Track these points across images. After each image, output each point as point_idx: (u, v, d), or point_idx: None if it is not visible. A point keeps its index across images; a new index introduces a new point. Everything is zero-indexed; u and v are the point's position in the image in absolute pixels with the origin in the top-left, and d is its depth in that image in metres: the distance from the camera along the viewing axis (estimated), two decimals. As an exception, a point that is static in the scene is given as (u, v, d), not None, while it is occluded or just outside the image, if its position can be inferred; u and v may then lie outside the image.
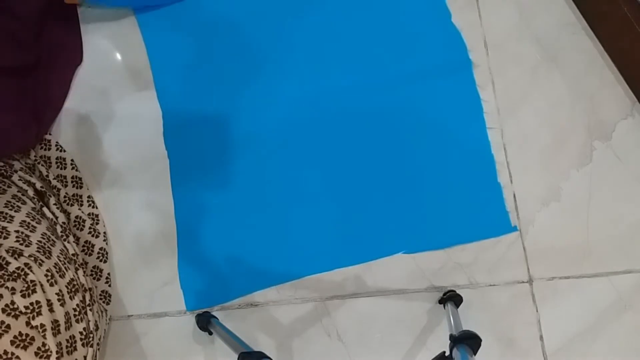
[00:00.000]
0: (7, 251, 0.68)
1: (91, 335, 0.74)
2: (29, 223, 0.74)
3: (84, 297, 0.75)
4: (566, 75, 0.99)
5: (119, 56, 0.98)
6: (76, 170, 0.91)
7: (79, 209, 0.87)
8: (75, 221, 0.86)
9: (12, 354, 0.61)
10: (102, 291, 0.86)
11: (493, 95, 0.98)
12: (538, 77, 0.99)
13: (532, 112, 0.97)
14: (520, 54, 1.00)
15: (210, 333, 0.85)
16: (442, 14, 1.00)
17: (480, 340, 0.64)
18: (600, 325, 0.90)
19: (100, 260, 0.87)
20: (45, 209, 0.81)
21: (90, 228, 0.87)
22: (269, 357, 0.60)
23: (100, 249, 0.87)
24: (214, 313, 0.88)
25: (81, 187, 0.90)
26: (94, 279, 0.86)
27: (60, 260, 0.73)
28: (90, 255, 0.86)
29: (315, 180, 0.93)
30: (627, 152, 0.96)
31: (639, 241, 0.93)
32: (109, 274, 0.87)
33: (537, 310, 0.90)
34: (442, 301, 0.88)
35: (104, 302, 0.86)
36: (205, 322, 0.84)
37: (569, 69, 0.99)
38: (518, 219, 0.93)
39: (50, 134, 0.92)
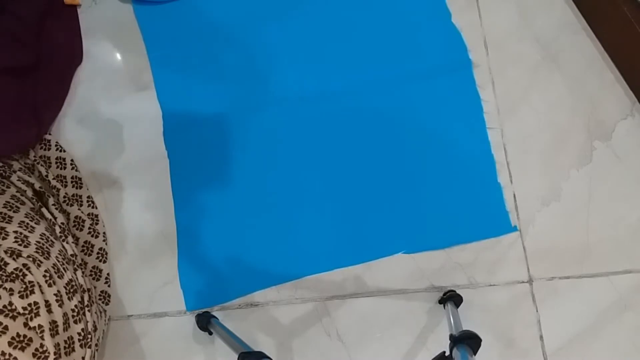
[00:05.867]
0: (6, 252, 0.68)
1: (89, 336, 0.74)
2: (27, 224, 0.74)
3: (82, 297, 0.75)
4: (566, 75, 0.99)
5: (119, 56, 0.98)
6: (76, 170, 0.91)
7: (79, 209, 0.87)
8: (74, 221, 0.86)
9: (10, 355, 0.61)
10: (102, 291, 0.86)
11: (493, 95, 0.98)
12: (538, 77, 0.99)
13: (532, 112, 0.97)
14: (520, 54, 0.99)
15: (210, 333, 0.85)
16: (442, 14, 1.00)
17: (480, 340, 0.64)
18: (600, 325, 0.90)
19: (100, 261, 0.87)
20: (44, 210, 0.81)
21: (89, 228, 0.87)
22: (269, 357, 0.60)
23: (100, 249, 0.87)
24: (214, 313, 0.88)
25: (81, 188, 0.90)
26: (93, 279, 0.86)
27: (58, 261, 0.73)
28: (89, 255, 0.86)
29: (315, 180, 0.93)
30: (627, 152, 0.96)
31: (638, 241, 0.93)
32: (108, 274, 0.87)
33: (537, 310, 0.90)
34: (442, 301, 0.88)
35: (103, 302, 0.86)
36: (205, 322, 0.84)
37: (569, 69, 0.99)
38: (518, 219, 0.93)
39: (50, 134, 0.92)
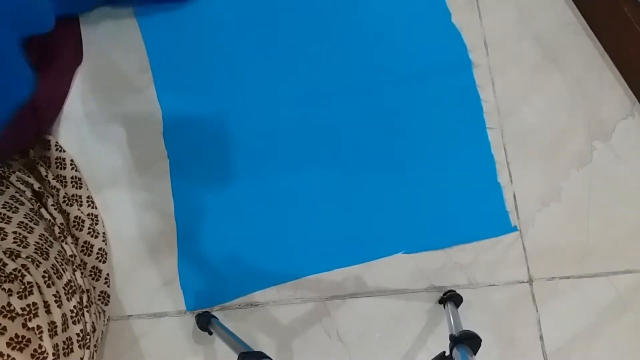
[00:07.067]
0: (5, 252, 0.67)
1: (88, 337, 0.74)
2: (26, 224, 0.74)
3: (81, 298, 0.75)
4: (566, 75, 0.99)
5: (119, 56, 0.98)
6: (76, 170, 0.91)
7: (79, 209, 0.87)
8: (74, 221, 0.86)
9: (8, 355, 0.61)
10: (101, 292, 0.86)
11: (493, 95, 0.98)
12: (538, 77, 0.99)
13: (532, 112, 0.97)
14: (520, 54, 0.99)
15: (210, 333, 0.85)
16: (442, 14, 1.00)
17: (480, 340, 0.64)
18: (600, 325, 0.90)
19: (99, 261, 0.87)
20: (43, 210, 0.81)
21: (89, 228, 0.87)
22: (269, 357, 0.60)
23: (100, 249, 0.87)
24: (214, 313, 0.88)
25: (80, 188, 0.90)
26: (92, 279, 0.86)
27: (57, 262, 0.73)
28: (89, 255, 0.86)
29: (315, 180, 0.93)
30: (627, 152, 0.96)
31: (638, 241, 0.93)
32: (108, 274, 0.87)
33: (537, 310, 0.90)
34: (442, 301, 0.88)
35: (102, 302, 0.86)
36: (205, 322, 0.84)
37: (569, 69, 0.99)
38: (518, 219, 0.93)
39: (50, 134, 0.92)
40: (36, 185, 0.83)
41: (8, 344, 0.61)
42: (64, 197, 0.86)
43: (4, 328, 0.62)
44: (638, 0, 0.91)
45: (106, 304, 0.86)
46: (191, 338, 0.87)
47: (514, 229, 0.93)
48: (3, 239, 0.70)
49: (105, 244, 0.89)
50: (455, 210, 0.92)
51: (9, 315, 0.63)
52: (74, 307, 0.72)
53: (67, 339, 0.69)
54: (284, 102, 0.96)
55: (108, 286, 0.87)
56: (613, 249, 0.92)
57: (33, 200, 0.81)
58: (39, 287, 0.67)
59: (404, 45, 0.98)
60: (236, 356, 0.64)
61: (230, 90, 0.96)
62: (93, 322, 0.76)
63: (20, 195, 0.80)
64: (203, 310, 0.88)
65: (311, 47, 0.98)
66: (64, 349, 0.68)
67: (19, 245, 0.70)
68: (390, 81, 0.97)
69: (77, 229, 0.86)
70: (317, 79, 0.97)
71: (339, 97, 0.96)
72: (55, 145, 0.91)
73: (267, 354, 0.62)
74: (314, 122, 0.95)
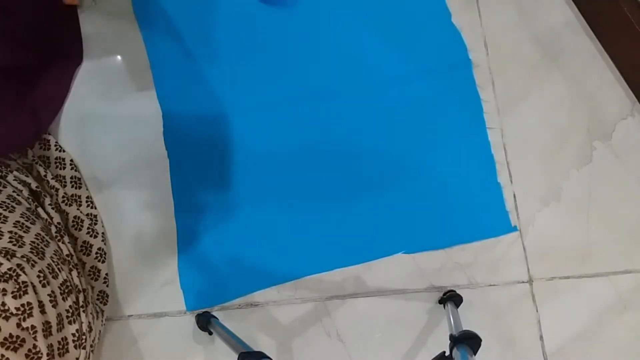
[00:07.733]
0: (0, 252, 0.67)
1: (84, 337, 0.73)
2: (23, 224, 0.74)
3: (77, 298, 0.75)
4: (566, 75, 0.99)
5: (119, 56, 0.98)
6: (75, 170, 0.91)
7: (78, 209, 0.87)
8: (73, 221, 0.86)
9: (3, 355, 0.61)
10: (100, 291, 0.86)
11: (493, 95, 0.98)
12: (538, 77, 0.99)
13: (532, 112, 0.97)
14: (520, 54, 0.99)
15: (210, 333, 0.85)
16: (442, 14, 1.00)
17: (480, 340, 0.64)
18: (600, 325, 0.90)
19: (98, 261, 0.86)
20: (40, 210, 0.81)
21: (88, 228, 0.87)
22: (269, 357, 0.60)
23: (99, 249, 0.87)
24: (214, 313, 0.88)
25: (80, 188, 0.90)
26: (91, 279, 0.85)
27: (53, 261, 0.73)
28: (88, 255, 0.86)
29: (315, 180, 0.93)
30: (627, 152, 0.96)
31: (638, 241, 0.93)
32: (106, 274, 0.87)
33: (537, 310, 0.90)
34: (442, 301, 0.88)
35: (101, 302, 0.86)
36: (205, 322, 0.84)
37: (569, 69, 0.99)
38: (518, 219, 0.93)
39: (49, 134, 0.92)
40: (34, 185, 0.83)
41: (2, 344, 0.61)
42: (64, 197, 0.86)
43: (-1, 328, 0.62)
44: (638, 0, 0.91)
45: (105, 304, 0.86)
46: (191, 338, 0.87)
47: (514, 229, 0.93)
48: None
49: (105, 244, 0.88)
50: (456, 210, 0.92)
51: (3, 315, 0.63)
52: (70, 307, 0.72)
53: (62, 339, 0.69)
54: (284, 102, 0.96)
55: (107, 286, 0.87)
56: (613, 249, 0.92)
57: (30, 200, 0.81)
58: (33, 286, 0.67)
59: (404, 45, 0.99)
60: (236, 356, 0.64)
61: (231, 90, 0.96)
62: (90, 322, 0.76)
63: (17, 195, 0.80)
64: (203, 310, 0.88)
65: (312, 46, 0.98)
66: (59, 349, 0.68)
67: (14, 245, 0.69)
68: (390, 81, 0.97)
69: (76, 229, 0.86)
70: (317, 78, 0.97)
71: (339, 97, 0.96)
72: (55, 145, 0.91)
73: (267, 354, 0.62)
74: (314, 122, 0.95)
